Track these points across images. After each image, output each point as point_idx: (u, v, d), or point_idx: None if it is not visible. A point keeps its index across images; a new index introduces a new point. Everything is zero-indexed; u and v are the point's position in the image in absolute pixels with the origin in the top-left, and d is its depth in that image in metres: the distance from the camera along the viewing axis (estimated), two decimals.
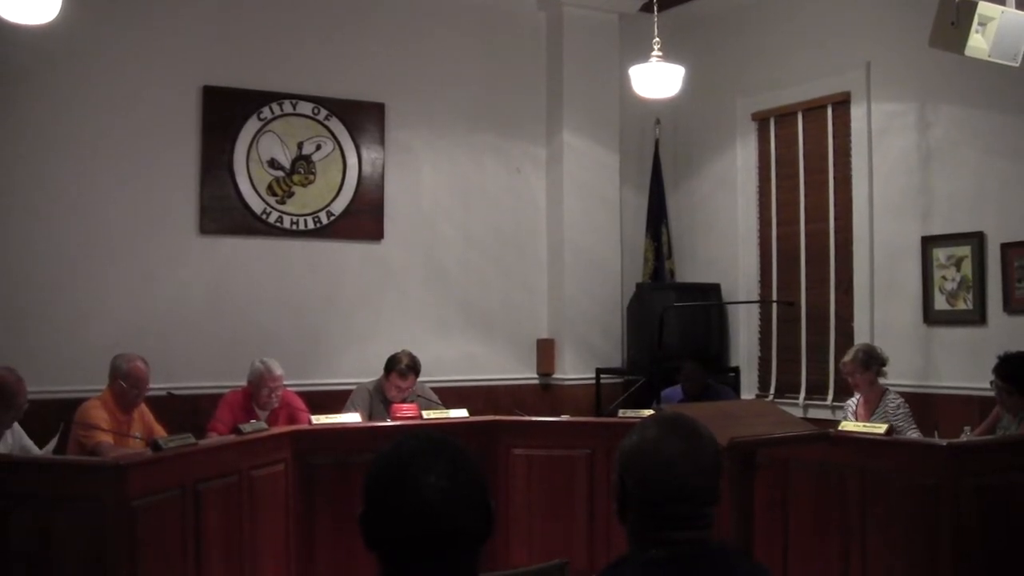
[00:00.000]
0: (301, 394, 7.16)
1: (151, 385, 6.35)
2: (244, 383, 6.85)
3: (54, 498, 4.79)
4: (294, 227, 8.06)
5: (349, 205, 8.26)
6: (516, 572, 3.81)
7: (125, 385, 6.17)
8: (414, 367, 7.14)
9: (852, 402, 6.77)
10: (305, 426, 6.56)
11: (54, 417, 5.97)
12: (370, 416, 7.05)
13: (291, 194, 8.05)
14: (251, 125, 7.91)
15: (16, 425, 5.68)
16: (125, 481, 4.81)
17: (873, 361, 6.53)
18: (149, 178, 7.55)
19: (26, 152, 7.16)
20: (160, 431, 6.25)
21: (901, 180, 7.44)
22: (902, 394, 6.62)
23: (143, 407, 6.38)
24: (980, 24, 5.03)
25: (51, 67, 7.21)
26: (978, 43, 5.08)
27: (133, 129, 7.49)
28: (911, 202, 7.37)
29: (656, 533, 2.32)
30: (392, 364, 7.15)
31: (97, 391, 6.28)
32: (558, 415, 7.61)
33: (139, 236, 7.52)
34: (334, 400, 7.33)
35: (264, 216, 7.94)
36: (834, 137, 7.98)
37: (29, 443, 5.72)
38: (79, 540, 4.71)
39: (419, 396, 7.24)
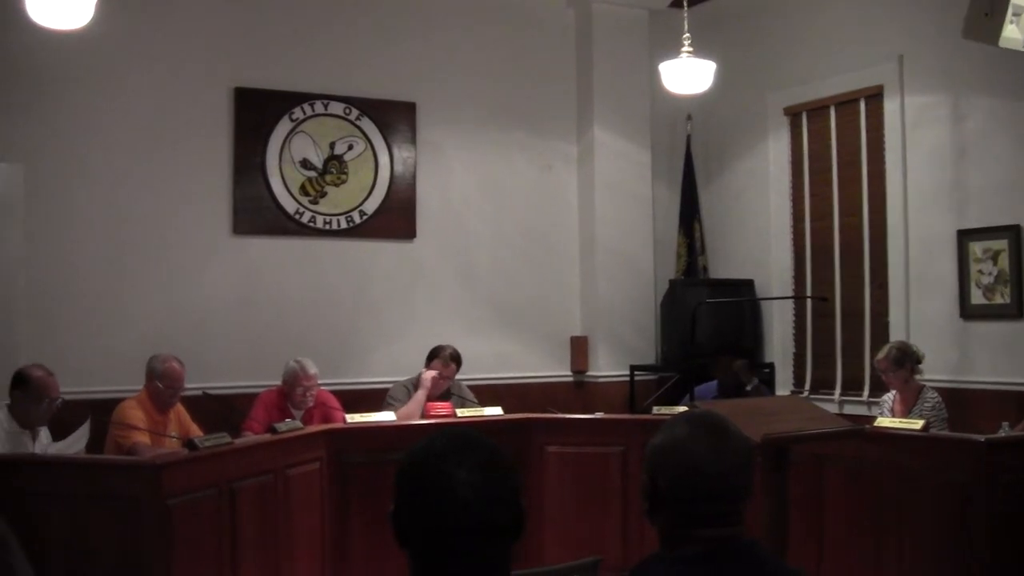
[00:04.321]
0: (335, 393, 7.19)
1: (186, 385, 6.40)
2: (279, 382, 6.89)
3: (91, 497, 4.84)
4: (327, 227, 8.08)
5: (381, 204, 8.28)
6: (549, 569, 3.81)
7: (161, 385, 6.21)
8: (457, 358, 7.24)
9: (888, 398, 6.72)
10: (340, 425, 6.60)
11: (91, 417, 6.00)
12: None
13: (324, 194, 8.08)
14: (283, 126, 7.94)
15: (45, 428, 5.76)
16: (161, 480, 4.85)
17: (907, 359, 6.48)
18: (182, 180, 7.60)
19: (60, 154, 7.21)
20: (196, 431, 6.30)
21: (935, 173, 7.37)
22: (938, 390, 6.57)
23: (179, 407, 6.43)
24: (1014, 15, 4.99)
25: (84, 71, 7.26)
26: (1012, 34, 5.04)
27: (166, 131, 7.54)
28: (946, 195, 7.30)
29: (687, 531, 2.31)
30: (436, 352, 7.26)
31: (132, 391, 6.33)
32: (592, 412, 7.61)
33: (173, 237, 7.57)
34: (368, 399, 7.36)
35: (297, 216, 7.97)
36: (867, 131, 7.92)
37: (56, 445, 5.79)
38: (116, 539, 4.76)
39: (455, 395, 7.27)
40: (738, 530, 2.32)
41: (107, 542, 4.76)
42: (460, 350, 7.33)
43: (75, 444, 5.73)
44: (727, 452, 2.35)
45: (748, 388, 7.47)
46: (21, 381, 5.62)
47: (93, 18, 5.20)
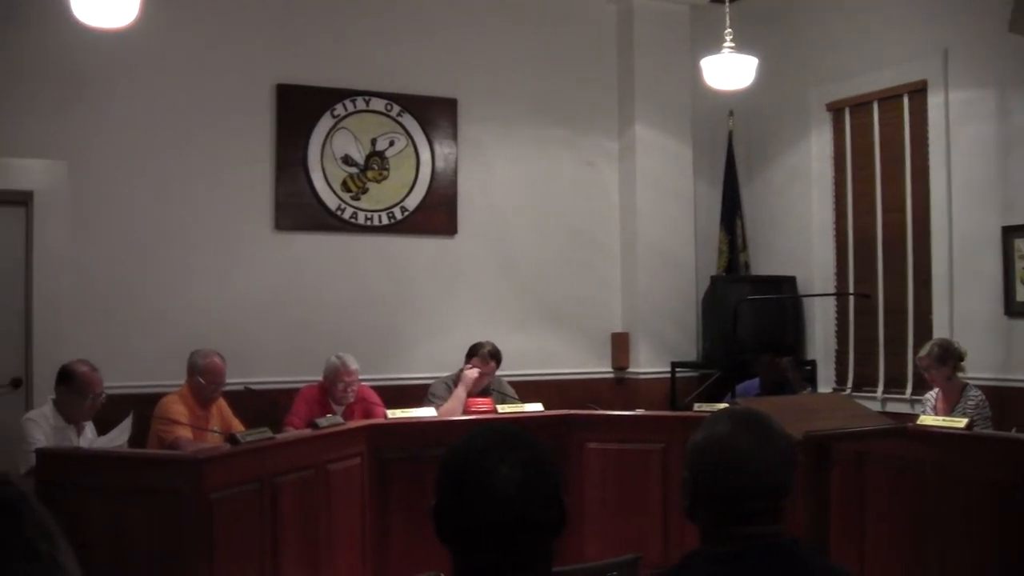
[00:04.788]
0: (376, 388, 7.22)
1: (228, 380, 6.44)
2: (320, 378, 6.92)
3: (134, 491, 4.90)
4: (368, 223, 8.11)
5: (423, 200, 8.29)
6: (589, 566, 3.81)
7: (203, 381, 6.26)
8: (496, 355, 7.23)
9: (931, 396, 6.66)
10: (380, 420, 6.62)
11: (134, 411, 6.05)
12: None
13: (365, 190, 8.10)
14: (325, 122, 7.97)
15: (90, 422, 5.82)
16: (203, 474, 4.90)
17: (949, 356, 6.41)
18: (225, 176, 7.65)
19: (103, 150, 7.27)
20: (238, 425, 6.36)
21: (980, 169, 7.30)
22: (982, 388, 6.50)
23: (221, 402, 6.48)
24: None
25: (127, 68, 7.31)
26: None
27: (209, 128, 7.59)
28: (991, 191, 7.23)
29: (728, 529, 2.29)
30: (475, 349, 7.27)
31: (175, 386, 6.39)
32: (632, 409, 7.60)
33: (216, 233, 7.62)
34: (409, 394, 7.38)
35: (339, 212, 7.99)
36: (911, 126, 7.85)
37: (99, 440, 5.85)
38: (158, 531, 4.81)
39: (495, 390, 7.28)
40: (780, 528, 2.31)
41: (149, 535, 4.80)
42: (501, 346, 7.34)
43: (118, 438, 5.79)
44: (770, 449, 2.34)
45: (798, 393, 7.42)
46: (66, 376, 5.69)
47: (137, 16, 5.23)
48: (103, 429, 5.89)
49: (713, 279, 8.93)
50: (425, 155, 8.32)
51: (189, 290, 7.50)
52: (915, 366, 7.11)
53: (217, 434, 6.16)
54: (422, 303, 8.29)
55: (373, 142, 8.15)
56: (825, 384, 8.47)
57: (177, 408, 6.14)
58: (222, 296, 7.60)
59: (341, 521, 6.00)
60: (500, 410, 6.92)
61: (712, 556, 2.29)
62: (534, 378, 8.28)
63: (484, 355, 7.20)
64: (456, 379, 7.23)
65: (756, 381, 7.53)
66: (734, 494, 2.30)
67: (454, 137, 8.42)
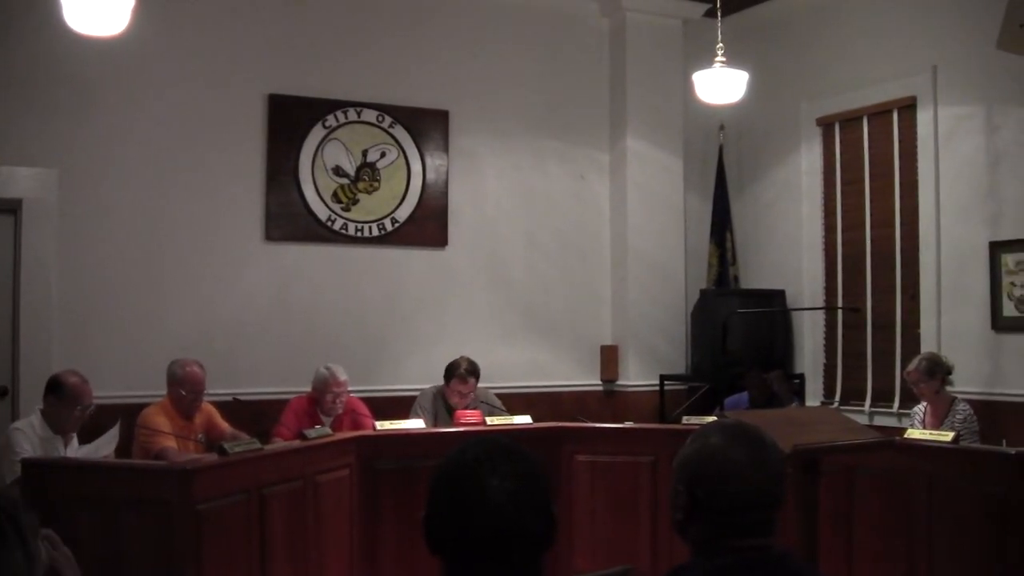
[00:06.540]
0: (365, 400, 7.20)
1: (217, 390, 6.43)
2: (309, 389, 6.90)
3: (122, 501, 4.87)
4: (359, 234, 8.10)
5: (413, 212, 8.29)
6: None
7: (183, 392, 6.24)
8: (473, 371, 7.16)
9: (919, 409, 6.69)
10: (369, 432, 6.60)
11: (120, 421, 6.03)
12: (436, 419, 7.09)
13: (356, 201, 8.10)
14: (316, 133, 7.97)
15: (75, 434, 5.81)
16: (191, 485, 4.88)
17: (938, 369, 6.44)
18: (215, 186, 7.64)
19: (94, 159, 7.26)
20: (225, 427, 6.36)
21: (968, 184, 7.34)
22: (970, 402, 6.53)
23: (208, 407, 6.47)
24: None
25: (118, 77, 7.30)
26: None
27: (199, 138, 7.58)
28: (979, 206, 7.27)
29: (723, 541, 2.30)
30: (452, 370, 7.17)
31: (163, 397, 6.36)
32: (621, 421, 7.59)
33: (205, 243, 7.60)
34: (398, 406, 7.37)
35: (329, 223, 7.99)
36: (900, 141, 7.89)
37: (84, 448, 5.84)
38: (147, 542, 4.79)
39: (483, 402, 7.26)
40: (771, 540, 2.32)
41: (137, 546, 4.78)
42: (490, 358, 7.33)
43: (104, 448, 5.77)
44: (765, 461, 2.35)
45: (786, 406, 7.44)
46: (56, 387, 5.67)
47: (128, 25, 5.23)
48: (88, 439, 5.86)
49: (703, 292, 8.94)
50: (416, 167, 8.32)
51: (178, 300, 7.49)
52: (903, 380, 7.14)
53: (201, 443, 6.15)
54: (412, 315, 8.28)
55: (364, 153, 8.15)
56: (813, 397, 8.48)
57: (158, 420, 6.12)
58: (211, 306, 7.59)
59: (330, 532, 5.99)
60: (488, 422, 6.90)
61: (706, 569, 2.30)
62: (523, 390, 8.29)
63: (462, 374, 7.10)
64: (443, 391, 7.21)
65: (745, 395, 7.55)
66: (732, 506, 2.30)
67: (445, 149, 8.42)
